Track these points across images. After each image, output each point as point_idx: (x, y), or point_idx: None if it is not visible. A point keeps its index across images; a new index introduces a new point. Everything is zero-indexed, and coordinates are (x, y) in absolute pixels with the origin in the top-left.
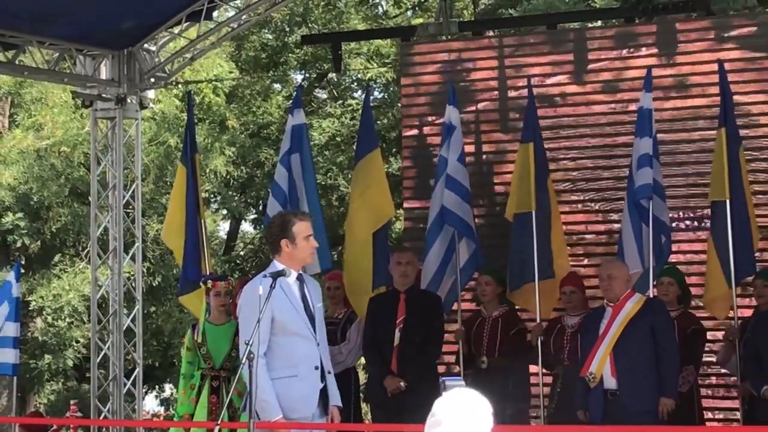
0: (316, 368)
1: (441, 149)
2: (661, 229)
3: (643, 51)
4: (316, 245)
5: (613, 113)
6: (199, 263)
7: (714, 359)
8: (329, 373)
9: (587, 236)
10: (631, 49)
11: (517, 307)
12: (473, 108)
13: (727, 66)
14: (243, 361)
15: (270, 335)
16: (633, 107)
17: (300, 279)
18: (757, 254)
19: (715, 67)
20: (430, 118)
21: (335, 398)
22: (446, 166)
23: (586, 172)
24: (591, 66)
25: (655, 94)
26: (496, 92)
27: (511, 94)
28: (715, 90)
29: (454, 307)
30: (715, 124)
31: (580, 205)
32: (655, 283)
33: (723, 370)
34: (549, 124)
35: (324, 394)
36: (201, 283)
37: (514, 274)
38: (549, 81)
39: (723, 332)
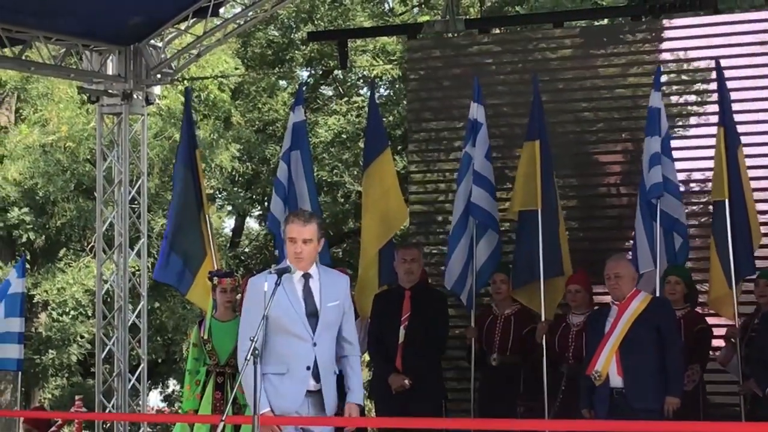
0: (308, 368)
1: (465, 146)
2: (676, 228)
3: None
4: (298, 250)
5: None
6: (171, 263)
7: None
8: (335, 373)
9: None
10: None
11: None
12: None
13: None
14: (248, 358)
15: (265, 332)
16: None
17: (305, 277)
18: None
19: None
20: (436, 116)
21: (353, 396)
22: (472, 163)
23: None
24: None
25: None
26: (502, 89)
27: (519, 90)
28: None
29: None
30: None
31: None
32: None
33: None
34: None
35: (332, 393)
36: (208, 280)
37: (518, 271)
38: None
39: (725, 331)
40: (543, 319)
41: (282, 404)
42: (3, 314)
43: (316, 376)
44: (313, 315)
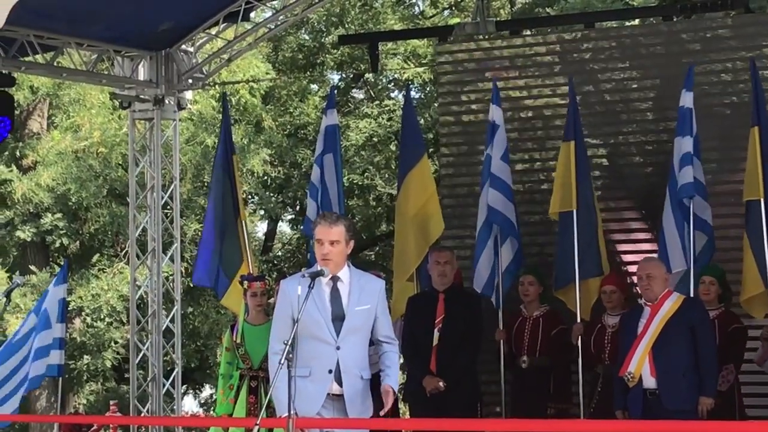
0: (330, 371)
1: (486, 148)
2: (703, 228)
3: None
4: (325, 252)
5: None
6: (210, 267)
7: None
8: (362, 378)
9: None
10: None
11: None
12: (512, 107)
13: None
14: (281, 362)
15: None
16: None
17: (334, 280)
18: None
19: None
20: (467, 119)
21: (387, 380)
22: (491, 165)
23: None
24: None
25: None
26: (535, 91)
27: (552, 92)
28: None
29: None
30: None
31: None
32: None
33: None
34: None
35: (357, 398)
36: (239, 284)
37: (559, 272)
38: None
39: (761, 331)
40: (579, 319)
41: (302, 406)
42: (46, 323)
43: (339, 380)
44: (338, 319)
